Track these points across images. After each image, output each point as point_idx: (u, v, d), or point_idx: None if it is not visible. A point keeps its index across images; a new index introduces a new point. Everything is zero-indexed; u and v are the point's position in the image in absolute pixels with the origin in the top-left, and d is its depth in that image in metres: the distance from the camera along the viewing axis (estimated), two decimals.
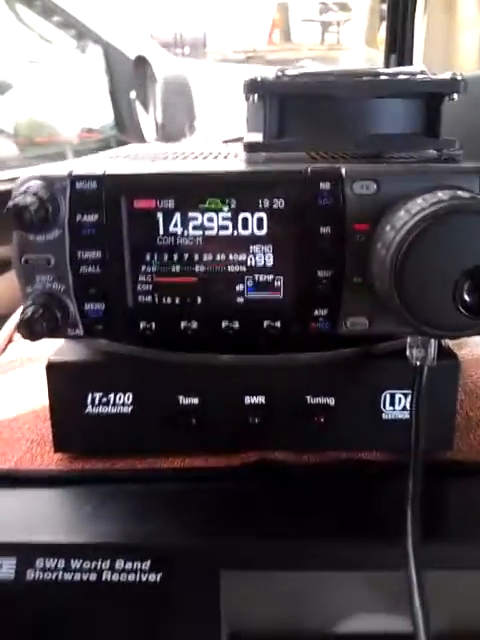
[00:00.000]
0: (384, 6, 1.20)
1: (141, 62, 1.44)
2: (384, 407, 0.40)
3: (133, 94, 1.47)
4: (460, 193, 0.32)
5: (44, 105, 1.57)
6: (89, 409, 0.40)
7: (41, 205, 0.34)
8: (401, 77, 0.38)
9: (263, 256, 0.36)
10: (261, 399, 0.40)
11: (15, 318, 0.69)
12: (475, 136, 0.60)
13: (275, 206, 0.35)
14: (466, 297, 0.31)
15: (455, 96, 0.38)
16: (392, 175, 0.34)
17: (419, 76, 0.38)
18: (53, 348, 0.42)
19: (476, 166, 0.35)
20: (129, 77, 1.48)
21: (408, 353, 0.37)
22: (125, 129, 1.44)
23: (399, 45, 1.13)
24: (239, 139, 0.55)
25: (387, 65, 1.15)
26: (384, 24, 1.17)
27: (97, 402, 0.40)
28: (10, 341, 0.65)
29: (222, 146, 0.54)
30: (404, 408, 0.40)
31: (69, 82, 1.70)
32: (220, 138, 0.94)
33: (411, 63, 1.10)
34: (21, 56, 1.79)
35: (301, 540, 0.36)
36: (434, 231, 0.30)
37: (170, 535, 0.36)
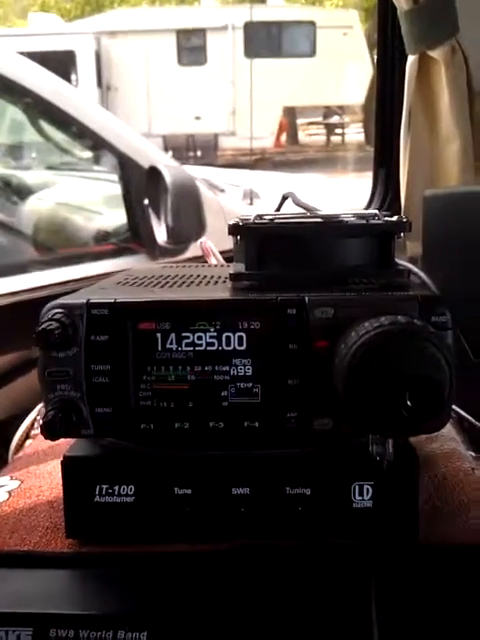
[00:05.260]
0: None
1: (153, 172, 1.56)
2: (354, 497, 0.46)
3: (146, 201, 1.58)
4: (400, 318, 0.39)
5: (61, 210, 1.70)
6: (97, 498, 0.46)
7: (63, 329, 0.42)
8: (358, 221, 0.47)
9: (243, 368, 0.43)
10: (246, 490, 0.46)
11: (31, 417, 0.75)
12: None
13: (252, 327, 0.43)
14: (408, 403, 0.38)
15: (402, 234, 0.46)
16: (346, 302, 0.42)
17: (373, 219, 0.47)
18: (66, 444, 0.48)
19: (414, 294, 0.42)
20: (142, 185, 1.59)
21: (370, 449, 0.43)
22: (139, 234, 1.55)
23: (386, 160, 1.25)
24: None
25: (376, 179, 1.26)
26: None
27: (104, 492, 0.46)
28: (27, 437, 0.71)
29: (213, 268, 0.62)
30: (371, 498, 0.45)
31: (84, 189, 1.84)
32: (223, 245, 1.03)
33: (398, 176, 1.21)
34: (40, 164, 1.95)
35: (273, 618, 0.40)
36: (376, 350, 0.37)
37: (166, 609, 0.41)
